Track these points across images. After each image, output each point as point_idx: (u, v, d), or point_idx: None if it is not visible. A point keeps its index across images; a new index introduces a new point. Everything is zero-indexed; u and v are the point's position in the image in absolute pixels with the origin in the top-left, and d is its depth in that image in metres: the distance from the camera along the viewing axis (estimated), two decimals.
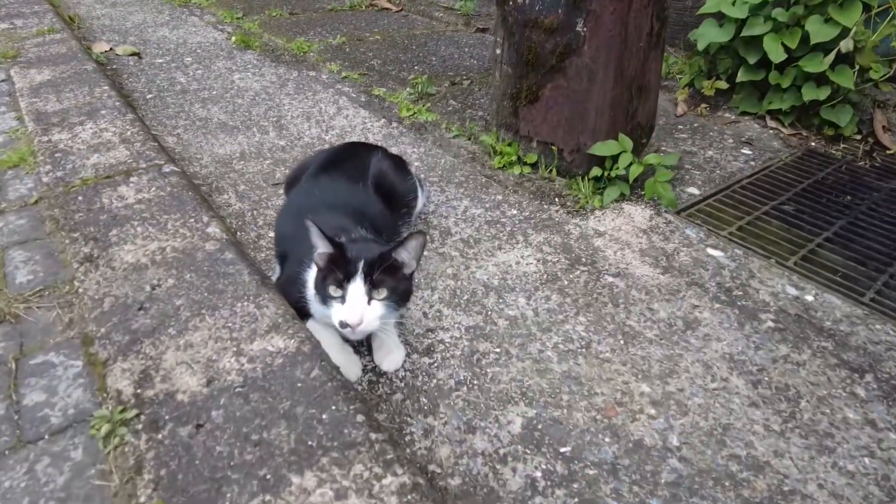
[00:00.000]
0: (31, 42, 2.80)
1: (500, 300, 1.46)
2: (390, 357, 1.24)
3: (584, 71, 1.77)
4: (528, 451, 1.08)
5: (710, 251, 1.69)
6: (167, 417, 0.89)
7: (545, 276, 1.55)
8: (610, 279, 1.56)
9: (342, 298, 1.08)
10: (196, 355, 1.00)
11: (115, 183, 1.53)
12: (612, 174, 1.87)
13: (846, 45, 2.23)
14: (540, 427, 1.13)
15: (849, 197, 1.99)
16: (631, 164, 1.85)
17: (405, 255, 1.13)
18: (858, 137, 2.41)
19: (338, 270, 1.08)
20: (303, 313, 1.23)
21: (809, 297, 1.51)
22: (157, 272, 1.19)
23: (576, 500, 0.99)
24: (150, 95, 2.64)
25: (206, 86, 2.76)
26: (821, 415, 1.18)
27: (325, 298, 1.10)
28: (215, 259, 1.24)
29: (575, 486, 1.02)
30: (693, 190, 2.02)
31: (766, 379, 1.26)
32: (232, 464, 0.81)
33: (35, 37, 2.87)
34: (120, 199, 1.45)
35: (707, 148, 2.34)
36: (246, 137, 2.28)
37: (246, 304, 1.12)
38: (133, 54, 3.11)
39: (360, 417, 0.90)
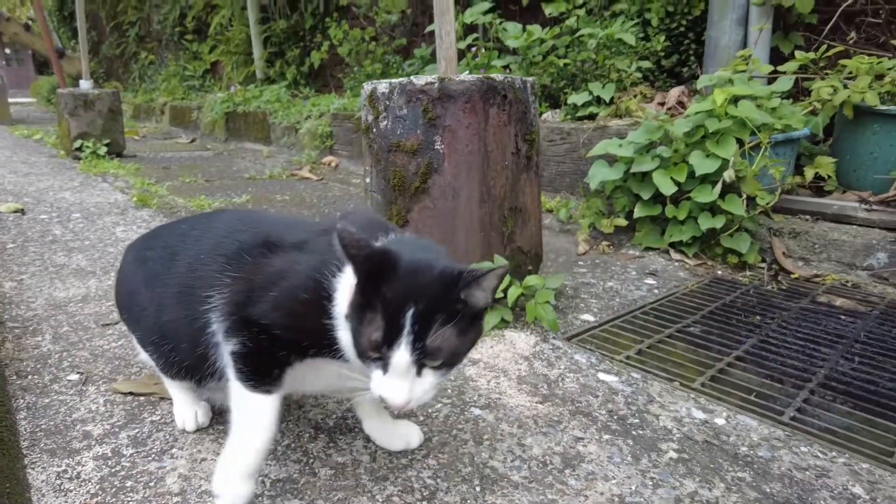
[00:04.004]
0: None
1: (332, 442, 1.13)
2: None
3: (448, 189, 1.66)
4: None
5: (602, 376, 1.42)
6: None
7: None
8: (477, 412, 1.25)
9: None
10: None
11: None
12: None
13: (729, 175, 2.25)
14: None
15: (758, 317, 1.81)
16: (510, 286, 1.66)
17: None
18: (763, 265, 2.32)
19: None
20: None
21: (720, 421, 1.23)
22: None
23: None
24: (11, 245, 2.41)
25: (82, 237, 2.56)
26: None
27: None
28: None
29: None
30: (588, 317, 1.81)
31: None
32: None
33: None
34: None
35: (608, 279, 2.19)
36: (98, 281, 2.02)
37: None
38: (17, 211, 2.94)
39: None
